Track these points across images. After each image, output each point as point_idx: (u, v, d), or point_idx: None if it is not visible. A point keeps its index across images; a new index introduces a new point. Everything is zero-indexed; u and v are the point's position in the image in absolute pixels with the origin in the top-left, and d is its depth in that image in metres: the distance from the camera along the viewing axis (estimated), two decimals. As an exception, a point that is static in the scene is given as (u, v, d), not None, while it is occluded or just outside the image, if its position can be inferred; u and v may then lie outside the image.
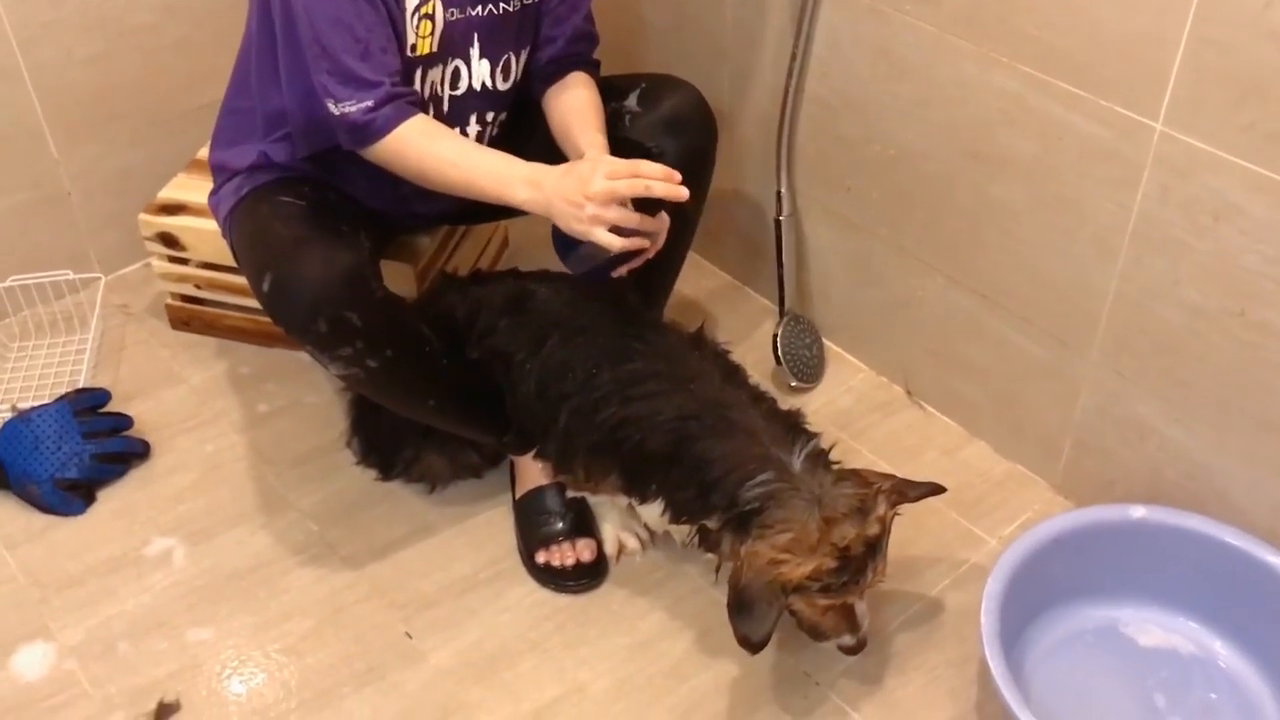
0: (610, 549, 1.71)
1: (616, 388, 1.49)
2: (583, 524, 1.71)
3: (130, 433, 1.86)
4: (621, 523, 1.71)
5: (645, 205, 1.40)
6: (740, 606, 1.38)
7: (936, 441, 1.89)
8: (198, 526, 1.76)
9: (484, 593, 1.68)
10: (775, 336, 1.95)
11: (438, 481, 1.80)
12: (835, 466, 1.45)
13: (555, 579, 1.67)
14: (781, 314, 1.98)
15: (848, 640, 1.48)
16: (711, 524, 1.44)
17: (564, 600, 1.66)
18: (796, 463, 1.42)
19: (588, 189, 1.37)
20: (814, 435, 1.48)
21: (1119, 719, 1.52)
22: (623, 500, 1.62)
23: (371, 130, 1.45)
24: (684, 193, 1.38)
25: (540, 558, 1.68)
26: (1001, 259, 1.69)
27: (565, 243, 1.45)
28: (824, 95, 1.81)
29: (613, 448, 1.50)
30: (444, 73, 1.55)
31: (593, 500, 1.70)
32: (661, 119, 1.65)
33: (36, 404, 1.84)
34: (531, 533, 1.70)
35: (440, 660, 1.59)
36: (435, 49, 1.52)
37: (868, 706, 1.54)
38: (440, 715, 1.53)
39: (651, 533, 1.72)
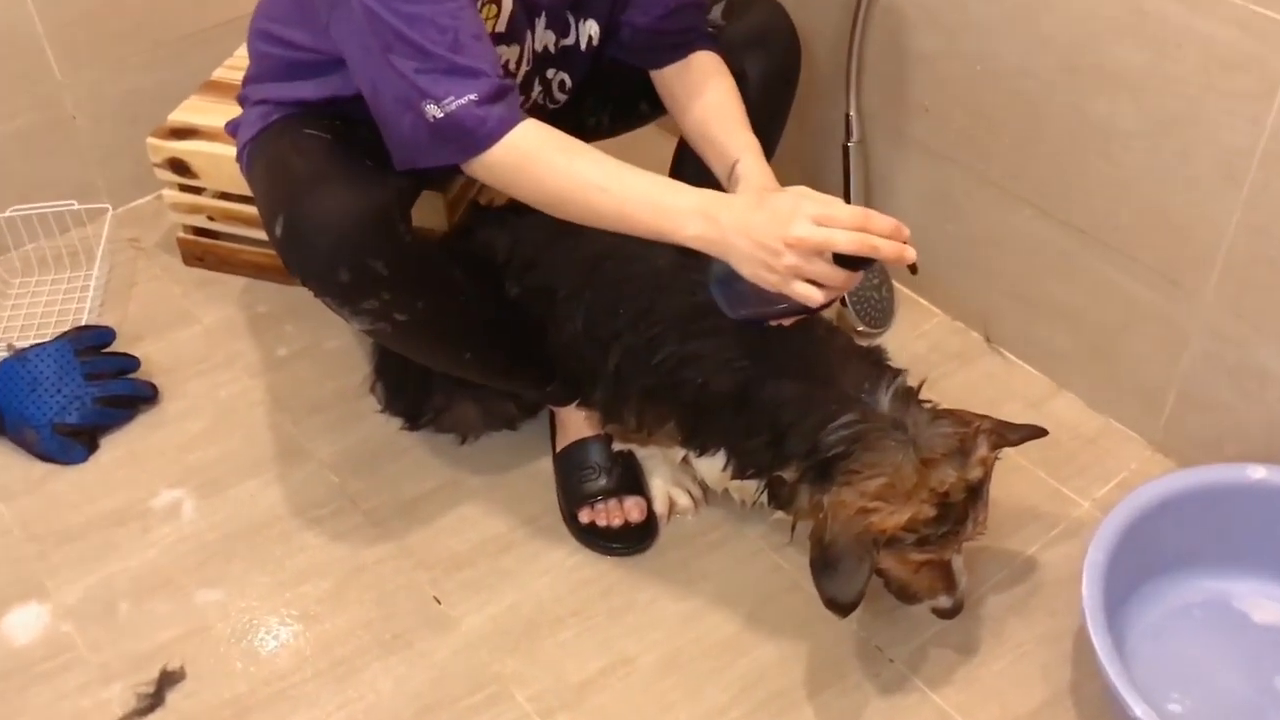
0: (660, 507, 1.54)
1: (675, 324, 1.32)
2: (630, 480, 1.54)
3: (137, 375, 1.72)
4: (673, 478, 1.55)
5: (848, 258, 1.13)
6: (826, 564, 1.22)
7: (1019, 393, 1.71)
8: (208, 477, 1.62)
9: (520, 554, 1.52)
10: (840, 277, 1.77)
11: (469, 432, 1.64)
12: (927, 405, 1.28)
13: (600, 540, 1.52)
14: (848, 252, 1.80)
15: (944, 601, 1.33)
16: (787, 475, 1.27)
17: (609, 563, 1.51)
18: (884, 401, 1.26)
19: (788, 233, 1.10)
20: (900, 371, 1.31)
21: (1232, 703, 1.35)
22: (676, 453, 1.45)
23: (484, 133, 1.19)
24: (911, 255, 1.12)
25: (583, 516, 1.53)
26: (1103, 188, 1.50)
27: (721, 276, 1.21)
28: (900, 4, 1.63)
29: (670, 391, 1.33)
30: (519, 52, 1.35)
31: (641, 454, 1.54)
32: (748, 35, 1.48)
33: (36, 343, 1.69)
34: (574, 489, 1.54)
35: (472, 627, 1.44)
36: (504, 29, 1.31)
37: (948, 688, 1.38)
38: (471, 688, 1.38)
39: (705, 490, 1.56)
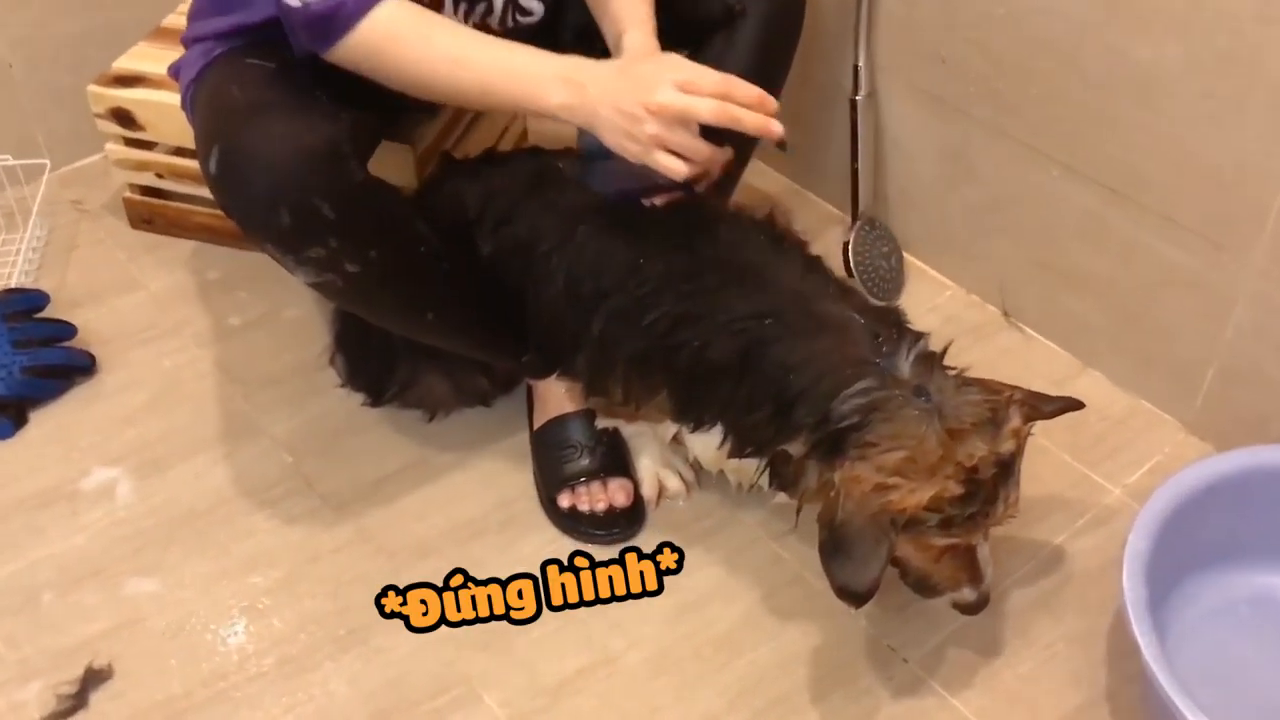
0: (648, 491, 1.40)
1: (669, 281, 1.18)
2: (615, 460, 1.39)
3: (72, 343, 1.56)
4: (662, 458, 1.40)
5: (714, 130, 1.10)
6: (837, 547, 1.08)
7: (1040, 371, 1.57)
8: (149, 455, 1.46)
9: (493, 541, 1.37)
10: (846, 245, 1.63)
11: (438, 408, 1.49)
12: (952, 372, 1.14)
13: (581, 526, 1.37)
14: (854, 218, 1.66)
15: (967, 594, 1.18)
16: (794, 450, 1.13)
17: (591, 552, 1.36)
18: (904, 366, 1.11)
19: (651, 99, 1.07)
20: (922, 334, 1.17)
21: (1285, 711, 1.21)
22: (667, 430, 1.30)
23: (341, 18, 1.12)
24: (777, 129, 1.09)
25: (563, 500, 1.38)
26: (1140, 141, 1.36)
27: (593, 151, 1.16)
28: (916, -57, 1.48)
29: (663, 358, 1.19)
30: None
31: (628, 431, 1.39)
32: None
33: (-42, 307, 1.54)
34: (553, 470, 1.39)
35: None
36: None
37: (969, 692, 1.23)
38: (434, 689, 1.23)
39: (698, 472, 1.41)
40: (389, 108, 1.41)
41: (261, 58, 1.21)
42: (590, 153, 1.18)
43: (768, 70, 1.41)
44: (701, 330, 1.16)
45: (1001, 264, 1.61)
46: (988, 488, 1.09)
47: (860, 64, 1.59)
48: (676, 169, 1.09)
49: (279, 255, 1.16)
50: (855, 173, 1.64)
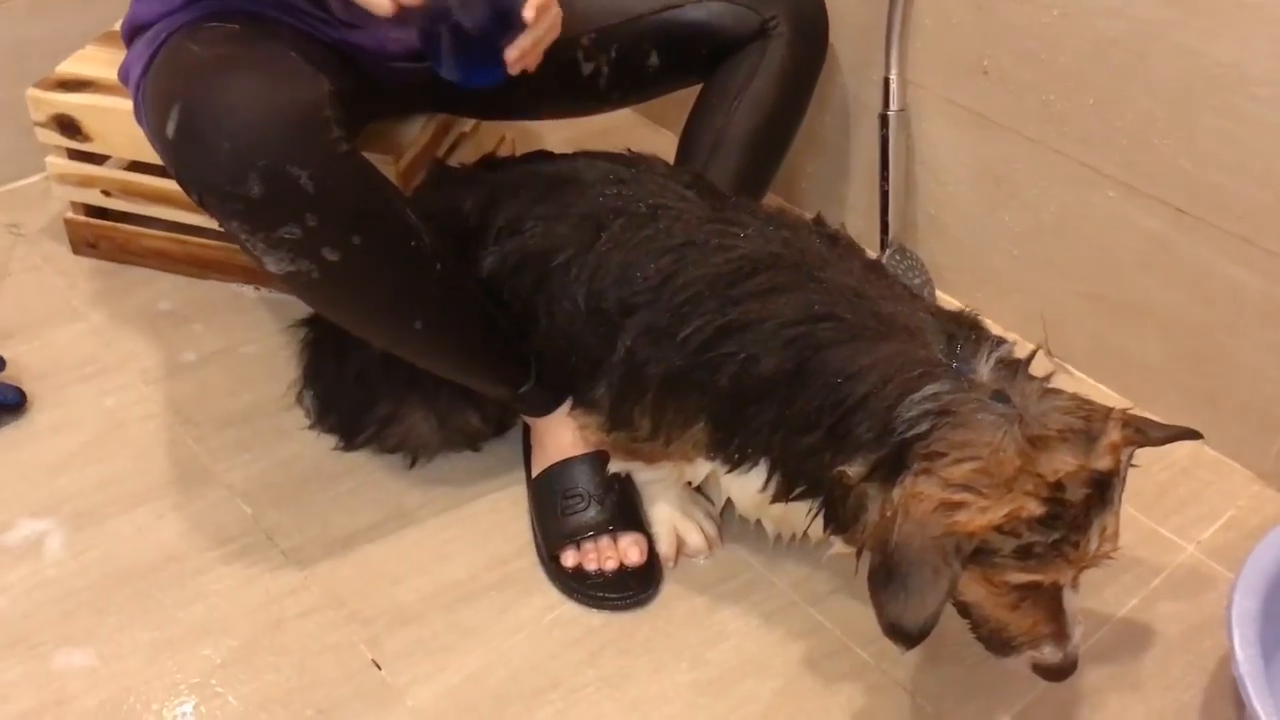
0: (666, 547, 1.22)
1: (712, 287, 1.01)
2: (628, 511, 1.22)
3: (1, 378, 1.36)
4: (682, 508, 1.22)
5: None
6: (890, 575, 0.90)
7: (1091, 415, 1.41)
8: (84, 505, 1.27)
9: (485, 606, 1.18)
10: (873, 275, 1.47)
11: (421, 452, 1.31)
12: (1038, 379, 0.98)
13: (588, 589, 1.19)
14: (883, 245, 1.51)
15: (1049, 654, 0.98)
16: (852, 471, 0.95)
17: (600, 619, 1.18)
18: (983, 370, 0.95)
19: None
20: (1003, 340, 1.00)
21: None
22: (696, 470, 1.13)
23: None
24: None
25: (568, 558, 1.19)
26: (1215, 154, 1.22)
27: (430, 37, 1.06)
28: (957, -59, 1.35)
29: (702, 377, 1.01)
30: None
31: (642, 477, 1.22)
32: None
33: None
34: (555, 523, 1.21)
35: (421, 702, 1.10)
36: None
37: (1048, 780, 1.06)
38: (421, 783, 1.04)
39: (721, 525, 1.24)
40: (372, 89, 1.25)
41: (223, 22, 1.05)
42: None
43: (796, 89, 1.34)
44: (748, 340, 0.99)
45: (1046, 296, 1.46)
46: (1076, 511, 0.91)
47: (892, 76, 1.45)
48: (379, 4, 0.98)
49: (246, 234, 0.99)
50: (885, 194, 1.49)
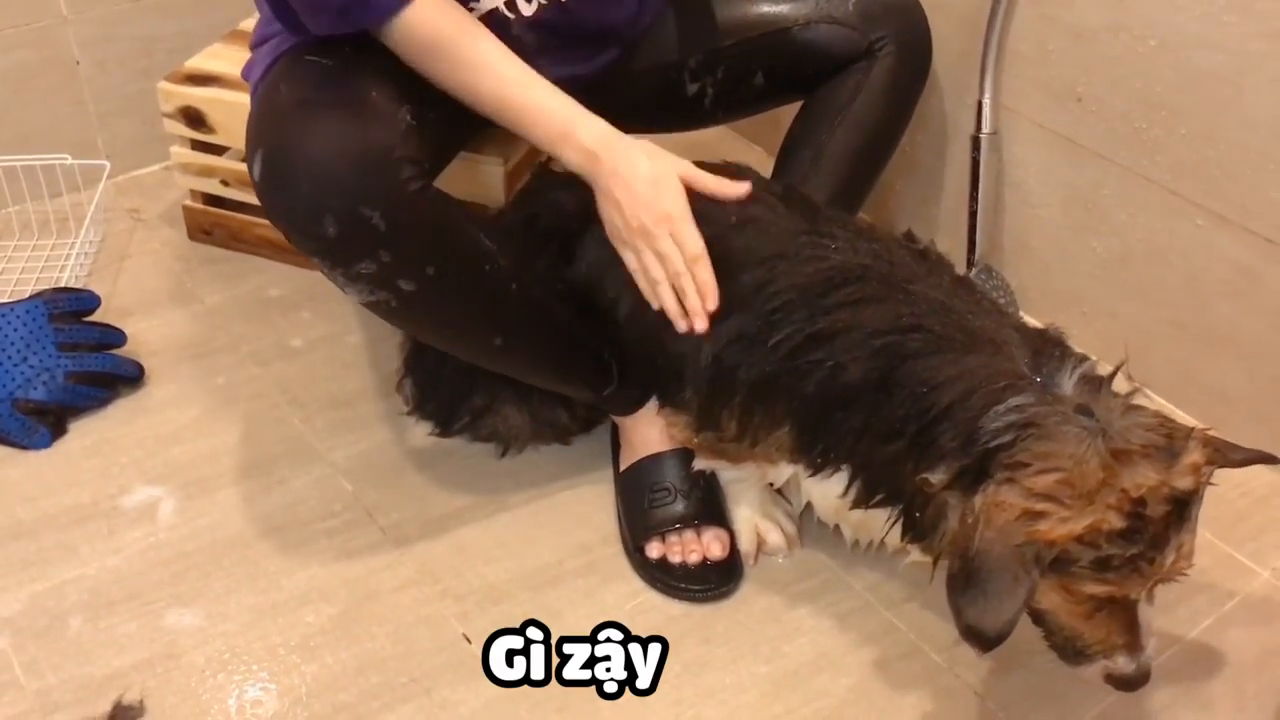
0: (747, 544, 1.26)
1: (803, 295, 1.05)
2: (712, 507, 1.26)
3: (120, 351, 1.44)
4: (763, 509, 1.26)
5: None
6: (969, 580, 0.93)
7: (1171, 441, 1.43)
8: (195, 475, 1.33)
9: (570, 589, 1.23)
10: (958, 293, 1.50)
11: (513, 442, 1.37)
12: (1121, 396, 1.01)
13: (671, 579, 1.23)
14: (970, 264, 1.54)
15: (1123, 664, 1.01)
16: (934, 479, 0.98)
17: (680, 609, 1.22)
18: (1067, 384, 0.98)
19: (657, 207, 1.09)
20: (1087, 357, 1.03)
21: None
22: (778, 473, 1.17)
23: (374, 6, 1.07)
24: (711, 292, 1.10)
25: (653, 550, 1.24)
26: (1308, 186, 1.24)
27: None
28: (1056, -30, 1.38)
29: (789, 383, 1.05)
30: None
31: (726, 476, 1.26)
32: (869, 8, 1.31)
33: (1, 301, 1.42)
34: (642, 515, 1.26)
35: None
36: None
37: (1116, 791, 1.08)
38: (505, 753, 1.09)
39: (801, 526, 1.27)
40: (467, 117, 1.31)
41: (321, 55, 1.11)
42: None
43: (898, 109, 1.37)
44: (837, 348, 1.03)
45: (1129, 322, 1.48)
46: (1156, 527, 0.94)
47: (985, 99, 1.48)
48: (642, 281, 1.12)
49: (327, 270, 1.07)
50: (973, 215, 1.52)
